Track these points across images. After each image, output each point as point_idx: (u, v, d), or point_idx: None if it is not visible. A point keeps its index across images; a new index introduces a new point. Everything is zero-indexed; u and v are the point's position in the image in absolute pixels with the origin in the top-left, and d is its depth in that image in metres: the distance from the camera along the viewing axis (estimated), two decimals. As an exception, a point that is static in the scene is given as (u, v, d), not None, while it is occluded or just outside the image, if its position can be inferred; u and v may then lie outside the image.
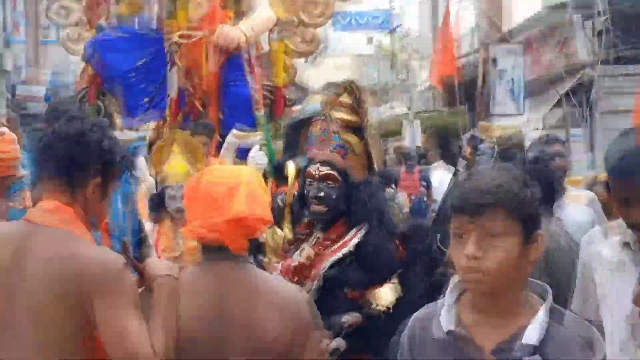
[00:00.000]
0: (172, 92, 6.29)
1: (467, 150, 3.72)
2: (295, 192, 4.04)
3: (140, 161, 4.76)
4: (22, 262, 2.23)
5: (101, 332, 2.18)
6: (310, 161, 3.75)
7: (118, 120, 6.38)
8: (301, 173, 3.92)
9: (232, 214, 2.33)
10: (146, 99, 6.41)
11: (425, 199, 10.60)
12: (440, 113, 19.26)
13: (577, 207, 4.61)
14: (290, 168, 4.39)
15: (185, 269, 2.57)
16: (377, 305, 3.46)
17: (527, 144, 13.11)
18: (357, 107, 3.75)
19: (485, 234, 1.91)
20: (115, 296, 2.19)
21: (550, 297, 2.00)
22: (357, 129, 3.75)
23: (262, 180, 2.59)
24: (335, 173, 3.59)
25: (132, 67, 6.36)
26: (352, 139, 3.71)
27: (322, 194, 3.56)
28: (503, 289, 1.96)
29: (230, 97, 6.37)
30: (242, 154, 5.66)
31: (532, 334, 1.92)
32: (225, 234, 2.36)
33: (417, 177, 11.28)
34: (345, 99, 3.76)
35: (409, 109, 20.67)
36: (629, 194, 2.46)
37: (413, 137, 18.61)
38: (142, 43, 6.49)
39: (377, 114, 24.36)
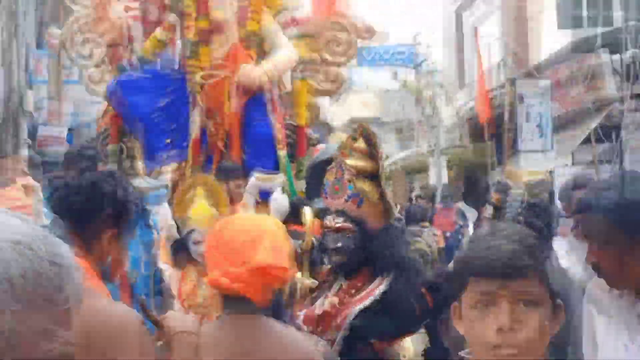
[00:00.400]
0: (194, 132, 6.30)
1: (494, 196, 3.64)
2: (314, 240, 4.01)
3: (164, 208, 4.74)
4: None
5: None
6: (326, 211, 3.74)
7: (140, 163, 6.39)
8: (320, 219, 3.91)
9: (255, 263, 2.31)
10: (168, 140, 6.41)
11: (461, 237, 10.50)
12: (466, 149, 19.21)
13: None
14: (307, 214, 4.36)
15: (206, 322, 2.54)
16: (404, 356, 3.40)
17: (555, 180, 13.02)
18: (372, 152, 3.73)
19: (518, 302, 1.68)
20: (129, 353, 2.16)
21: None
22: (373, 175, 3.73)
23: (285, 230, 2.56)
24: (349, 224, 3.57)
25: (154, 107, 6.37)
26: (367, 186, 3.66)
27: (339, 244, 3.55)
28: None
29: (252, 137, 6.36)
30: (264, 196, 5.63)
31: None
32: (248, 285, 2.33)
33: (453, 215, 11.21)
34: (360, 144, 3.74)
35: (435, 145, 20.62)
36: (584, 232, 2.44)
37: (439, 175, 18.57)
38: (164, 83, 6.51)
39: (402, 151, 24.37)
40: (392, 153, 23.06)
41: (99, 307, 2.23)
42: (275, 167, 6.23)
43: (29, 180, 3.57)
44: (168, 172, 6.40)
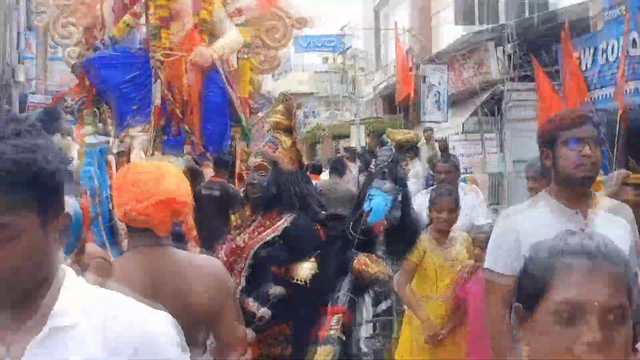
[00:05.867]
0: (156, 100, 6.19)
1: (377, 149, 3.74)
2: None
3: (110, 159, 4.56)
4: None
5: None
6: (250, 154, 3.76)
7: (110, 123, 6.27)
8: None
9: (162, 194, 2.16)
10: (134, 107, 6.29)
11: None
12: (381, 119, 19.31)
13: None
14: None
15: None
16: (297, 279, 3.36)
17: (450, 146, 13.17)
18: (289, 113, 3.76)
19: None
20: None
21: None
22: (289, 130, 3.76)
23: (184, 175, 2.38)
24: (265, 163, 3.56)
25: (123, 80, 6.24)
26: (282, 136, 3.70)
27: (255, 181, 3.53)
28: None
29: (207, 105, 6.27)
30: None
31: None
32: (154, 216, 2.16)
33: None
34: (279, 107, 3.80)
35: (356, 116, 20.69)
36: None
37: (359, 139, 18.66)
38: (131, 60, 6.36)
39: (329, 119, 24.39)
40: (322, 122, 23.05)
41: None
42: (225, 129, 6.18)
43: None
44: (134, 134, 6.24)
